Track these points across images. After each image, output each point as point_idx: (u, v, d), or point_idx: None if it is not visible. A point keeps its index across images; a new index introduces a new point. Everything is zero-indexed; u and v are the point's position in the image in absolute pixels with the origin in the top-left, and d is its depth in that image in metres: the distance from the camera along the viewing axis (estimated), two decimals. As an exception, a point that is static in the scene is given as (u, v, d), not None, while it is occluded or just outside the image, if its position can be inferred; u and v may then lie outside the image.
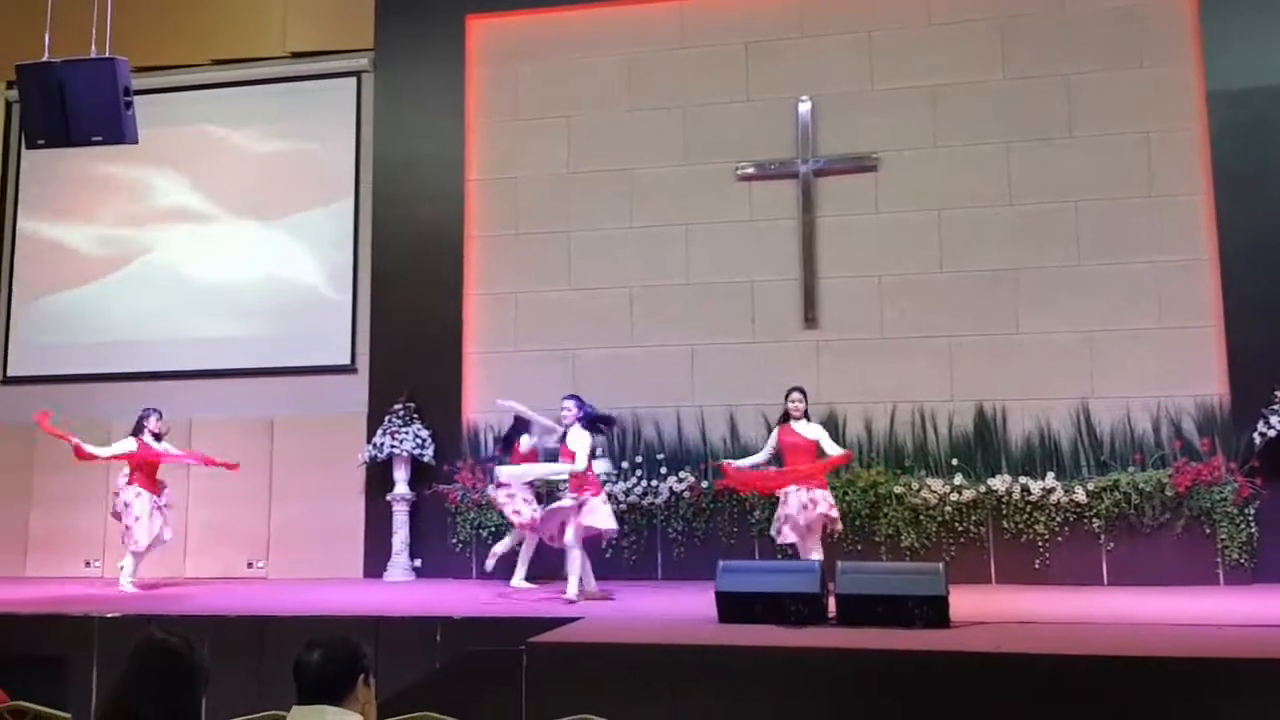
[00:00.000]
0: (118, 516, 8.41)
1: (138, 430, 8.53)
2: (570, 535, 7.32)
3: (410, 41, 10.09)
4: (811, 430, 7.57)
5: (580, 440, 7.43)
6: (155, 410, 8.63)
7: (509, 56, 10.00)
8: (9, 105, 10.84)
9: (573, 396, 7.81)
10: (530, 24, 10.03)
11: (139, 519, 8.25)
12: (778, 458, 7.72)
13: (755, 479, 7.71)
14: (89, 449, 8.36)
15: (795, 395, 7.61)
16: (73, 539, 9.95)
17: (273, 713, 3.31)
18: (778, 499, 7.45)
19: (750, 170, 9.42)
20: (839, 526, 7.58)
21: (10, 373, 10.71)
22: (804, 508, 7.23)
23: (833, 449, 7.47)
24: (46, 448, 10.19)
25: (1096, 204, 8.86)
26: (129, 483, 8.40)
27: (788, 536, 7.31)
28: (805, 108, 9.35)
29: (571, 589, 7.24)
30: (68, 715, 3.65)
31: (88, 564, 9.84)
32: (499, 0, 10.03)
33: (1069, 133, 8.98)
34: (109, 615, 6.68)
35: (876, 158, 9.23)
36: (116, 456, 8.44)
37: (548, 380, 9.42)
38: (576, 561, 7.35)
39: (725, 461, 7.94)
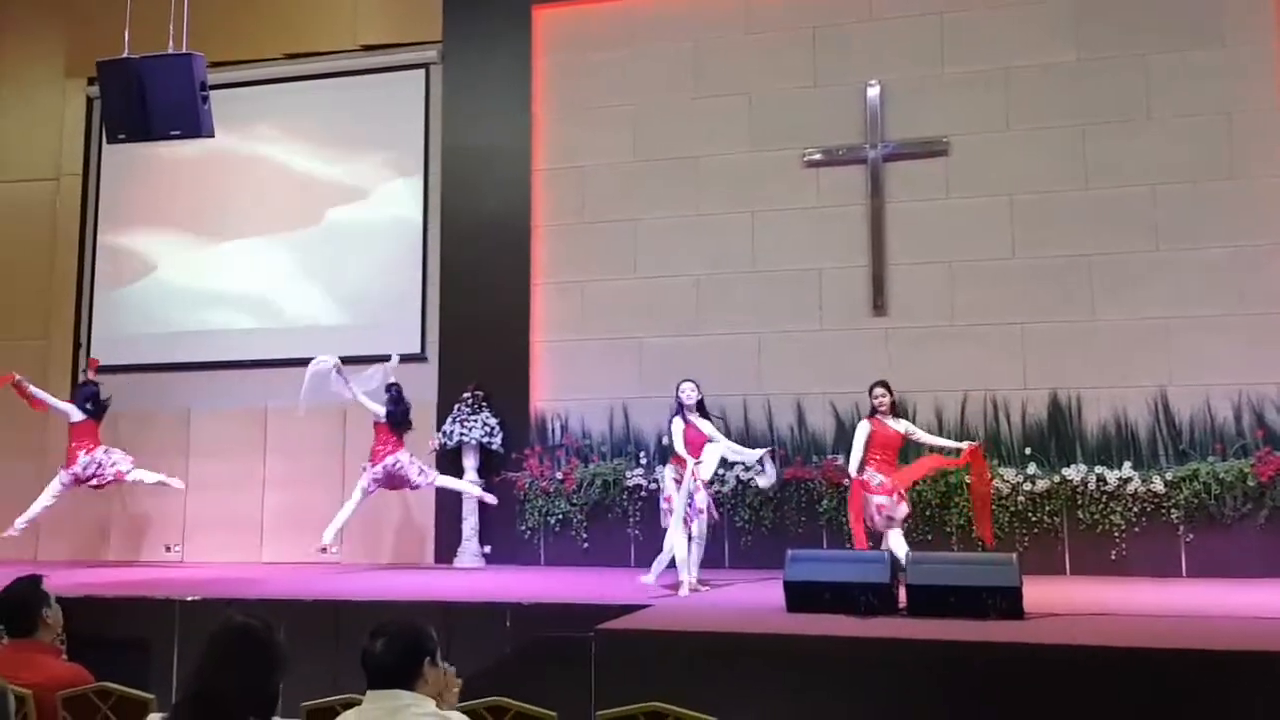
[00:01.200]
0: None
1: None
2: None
3: (477, 33, 10.15)
4: (899, 424, 7.53)
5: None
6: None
7: (574, 46, 10.02)
8: (90, 101, 11.12)
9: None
10: (595, 13, 10.03)
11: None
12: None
13: (905, 474, 7.50)
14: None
15: (879, 391, 7.53)
16: (153, 524, 10.22)
17: (348, 695, 3.36)
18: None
19: (817, 156, 9.33)
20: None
21: (93, 362, 11.00)
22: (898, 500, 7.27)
23: (930, 439, 7.62)
24: (128, 435, 10.49)
25: (1175, 188, 8.62)
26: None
27: (879, 525, 7.29)
28: (874, 92, 9.23)
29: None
30: (150, 696, 3.75)
31: (168, 549, 10.09)
32: (565, -11, 10.06)
33: (1146, 114, 8.74)
34: (189, 599, 6.85)
35: (947, 142, 9.08)
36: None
37: (613, 368, 9.46)
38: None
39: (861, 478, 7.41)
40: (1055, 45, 8.98)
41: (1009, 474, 8.36)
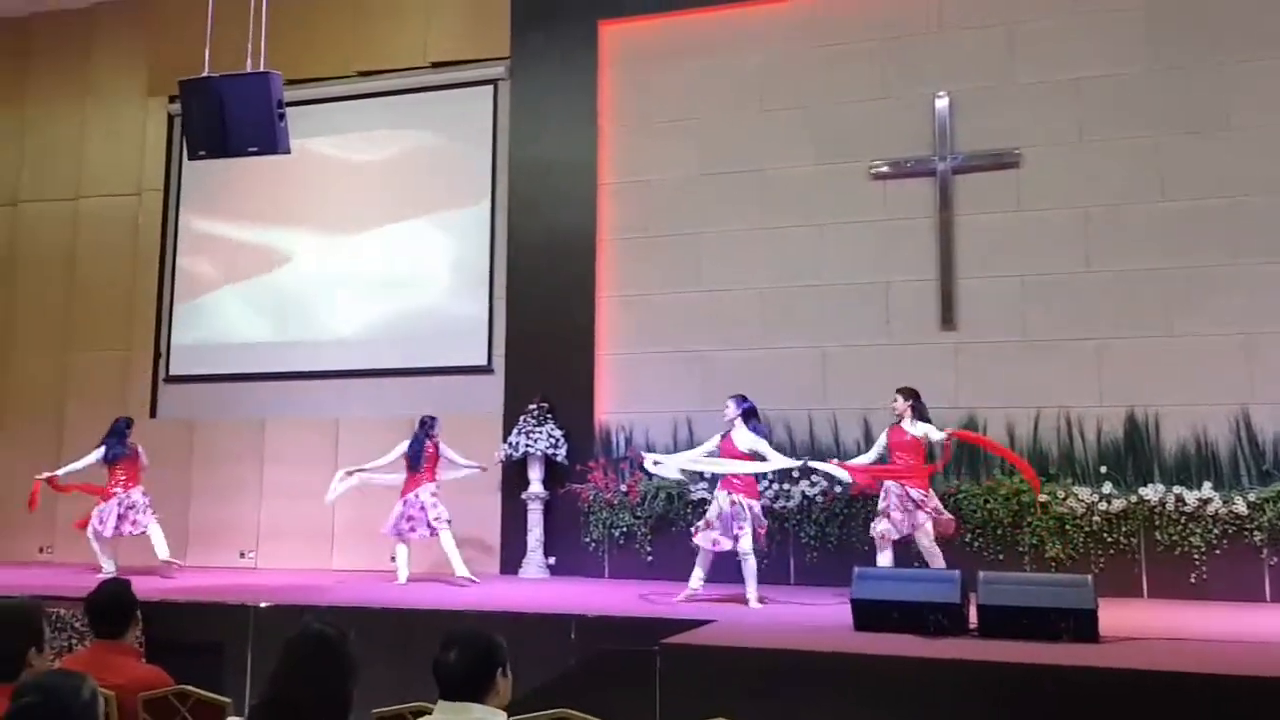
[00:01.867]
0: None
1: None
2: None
3: (544, 49, 10.25)
4: (918, 429, 7.56)
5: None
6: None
7: (640, 60, 10.07)
8: (171, 118, 11.44)
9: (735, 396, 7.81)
10: (661, 27, 10.07)
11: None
12: (883, 460, 7.72)
13: (856, 472, 7.80)
14: None
15: (895, 396, 7.72)
16: (228, 530, 10.44)
17: (419, 704, 3.39)
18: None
19: (885, 169, 9.25)
20: (950, 529, 7.53)
21: (171, 372, 11.29)
22: (904, 506, 7.34)
23: (937, 436, 7.55)
24: (205, 442, 10.75)
25: (1255, 199, 8.40)
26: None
27: (879, 528, 7.40)
28: (942, 103, 9.14)
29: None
30: (227, 699, 3.82)
31: (242, 555, 10.29)
32: (631, 5, 10.11)
33: (1225, 123, 8.53)
34: (263, 605, 6.98)
35: (1018, 153, 8.95)
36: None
37: (677, 381, 9.46)
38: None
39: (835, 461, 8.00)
40: (1129, 54, 8.81)
41: (1084, 493, 8.19)
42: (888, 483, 7.52)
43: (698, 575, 7.43)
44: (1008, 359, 8.77)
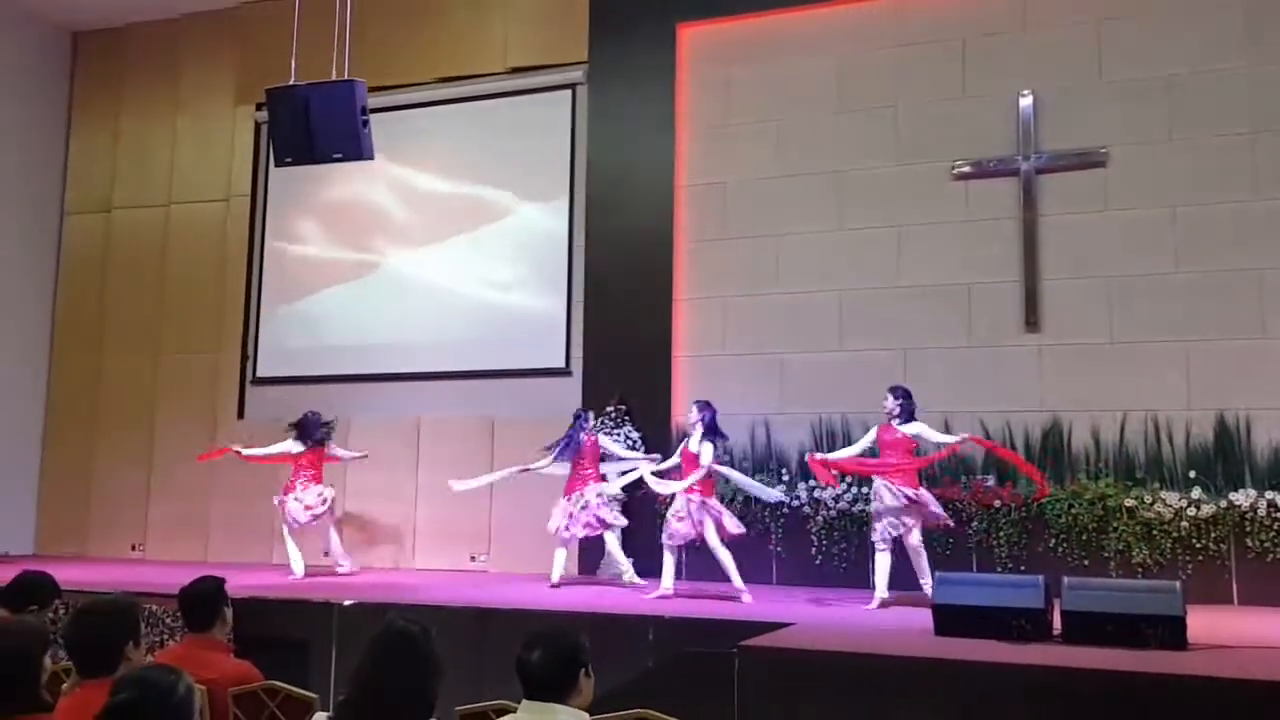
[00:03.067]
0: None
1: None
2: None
3: (622, 52, 10.30)
4: (911, 428, 7.54)
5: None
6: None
7: (718, 62, 10.06)
8: (258, 126, 11.73)
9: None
10: (740, 29, 10.06)
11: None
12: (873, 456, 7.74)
13: (846, 465, 7.85)
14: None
15: (886, 394, 7.71)
16: (313, 530, 10.64)
17: (501, 702, 3.44)
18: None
19: (967, 169, 9.13)
20: (939, 521, 7.54)
21: (259, 374, 11.58)
22: (894, 506, 7.38)
23: (938, 438, 7.56)
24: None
25: (1353, 196, 8.13)
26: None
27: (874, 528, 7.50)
28: (1026, 102, 8.98)
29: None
30: (314, 695, 3.92)
31: (326, 554, 10.49)
32: (709, 7, 10.11)
33: (1322, 120, 8.27)
34: (346, 603, 7.13)
35: (1105, 152, 8.76)
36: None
37: (756, 384, 9.43)
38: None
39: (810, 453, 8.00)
40: (1223, 50, 8.57)
41: (1171, 498, 7.99)
42: (876, 483, 7.52)
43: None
44: (1093, 361, 8.59)
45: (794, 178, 9.65)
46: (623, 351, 9.84)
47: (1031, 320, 8.79)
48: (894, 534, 7.38)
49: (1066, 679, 4.81)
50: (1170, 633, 5.33)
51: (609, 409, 9.57)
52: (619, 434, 9.44)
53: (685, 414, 9.14)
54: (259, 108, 11.16)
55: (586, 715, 2.75)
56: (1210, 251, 8.41)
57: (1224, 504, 7.88)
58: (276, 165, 8.37)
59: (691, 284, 9.89)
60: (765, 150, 9.78)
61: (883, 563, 7.43)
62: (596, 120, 10.42)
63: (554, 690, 2.72)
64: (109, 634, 3.27)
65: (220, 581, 4.11)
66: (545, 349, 10.37)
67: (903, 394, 7.70)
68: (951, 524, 7.76)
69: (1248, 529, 7.82)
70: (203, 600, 4.02)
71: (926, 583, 7.15)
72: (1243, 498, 7.85)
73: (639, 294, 9.90)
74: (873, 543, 7.56)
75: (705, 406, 8.02)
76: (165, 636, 6.96)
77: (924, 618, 5.93)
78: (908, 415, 7.61)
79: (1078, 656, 5.10)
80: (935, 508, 7.46)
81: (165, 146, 12.29)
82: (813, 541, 8.83)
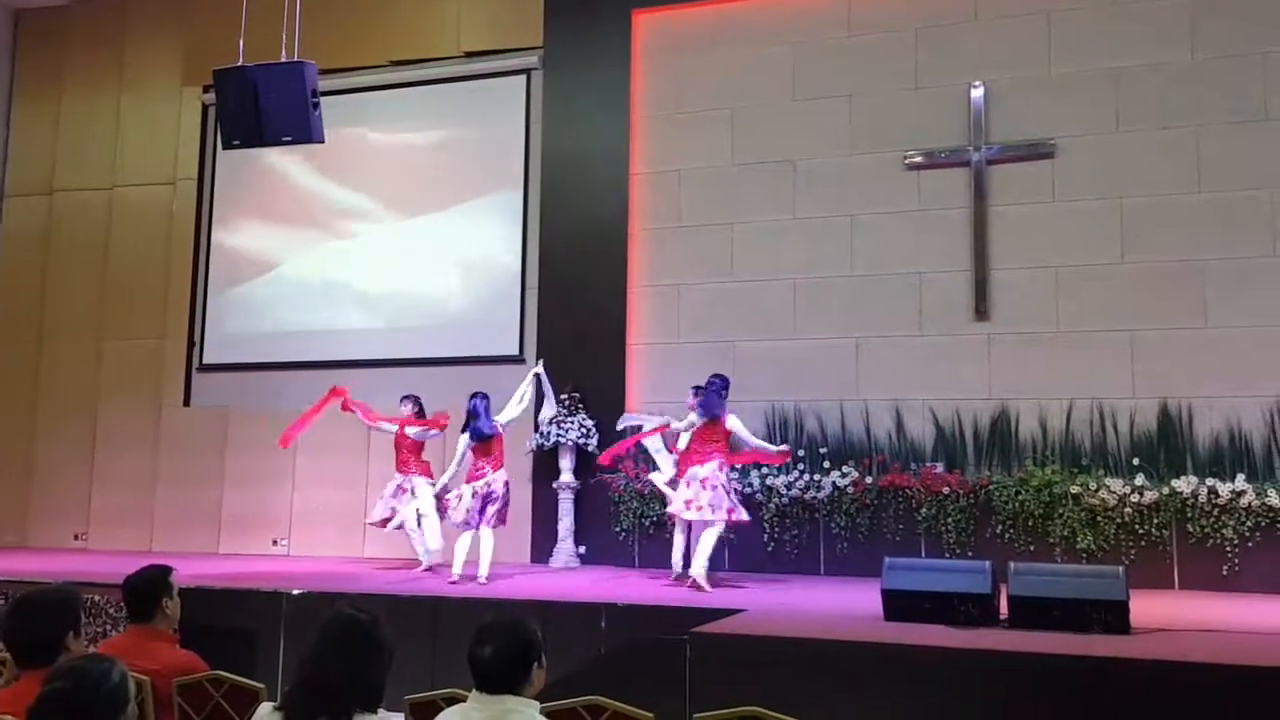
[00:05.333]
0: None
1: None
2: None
3: (578, 38, 10.25)
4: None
5: None
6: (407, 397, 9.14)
7: (674, 50, 10.05)
8: (206, 108, 11.53)
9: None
10: (695, 16, 10.04)
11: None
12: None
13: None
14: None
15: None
16: (261, 518, 10.55)
17: (451, 690, 3.42)
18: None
19: (919, 159, 9.20)
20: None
21: (205, 360, 11.40)
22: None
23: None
24: (238, 431, 10.85)
25: (1293, 190, 8.30)
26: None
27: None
28: (978, 93, 9.07)
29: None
30: (261, 685, 3.87)
31: (275, 542, 10.40)
32: (665, -6, 10.09)
33: (1264, 114, 8.42)
34: (295, 592, 7.05)
35: (1053, 144, 8.87)
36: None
37: (709, 372, 9.38)
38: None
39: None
40: (1168, 44, 8.70)
41: (1115, 485, 8.13)
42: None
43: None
44: (1041, 350, 8.71)
45: (748, 166, 9.67)
46: (577, 339, 9.81)
47: (981, 309, 8.89)
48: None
49: (1012, 663, 4.89)
50: (1114, 617, 5.42)
51: (563, 397, 9.55)
52: (572, 422, 9.43)
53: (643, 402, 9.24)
54: (206, 89, 10.98)
55: (536, 705, 2.74)
56: (1155, 242, 8.55)
57: (1166, 490, 8.03)
58: (224, 148, 8.21)
59: (646, 271, 9.88)
60: (720, 138, 9.79)
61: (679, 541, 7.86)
62: (551, 106, 10.36)
63: (506, 683, 2.70)
64: (48, 625, 3.20)
65: (166, 570, 4.03)
66: (499, 337, 10.32)
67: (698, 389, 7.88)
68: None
69: (1189, 515, 7.98)
70: (147, 589, 3.94)
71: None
72: (1184, 484, 8.01)
73: (593, 281, 9.88)
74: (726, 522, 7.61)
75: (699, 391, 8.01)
76: (109, 627, 6.84)
77: (875, 604, 5.98)
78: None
79: (1023, 641, 5.19)
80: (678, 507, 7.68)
81: (109, 128, 12.04)
82: (764, 529, 8.87)
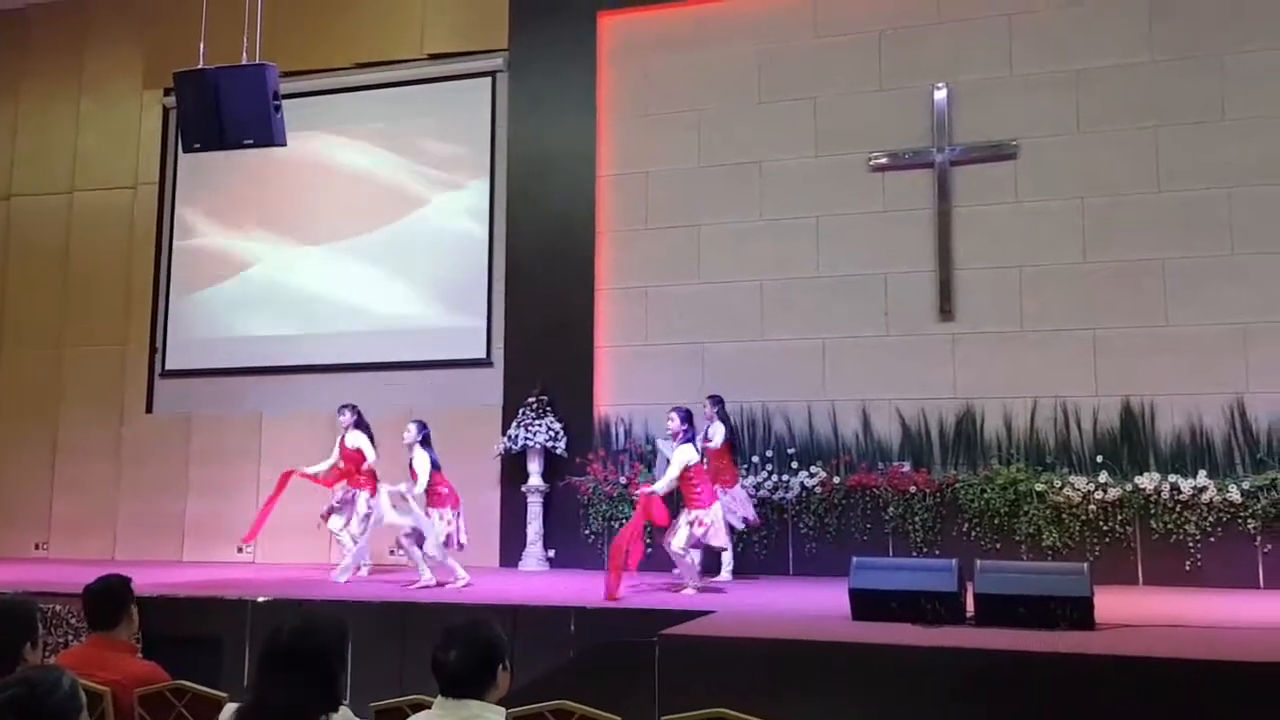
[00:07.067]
0: None
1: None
2: None
3: (543, 40, 10.23)
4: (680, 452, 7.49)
5: None
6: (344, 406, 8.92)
7: (640, 52, 10.05)
8: (167, 111, 11.40)
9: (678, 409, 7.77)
10: (661, 18, 10.05)
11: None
12: None
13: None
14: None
15: (671, 414, 7.65)
16: (225, 525, 10.42)
17: (416, 696, 3.39)
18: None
19: (884, 160, 9.25)
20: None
21: (168, 366, 11.26)
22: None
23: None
24: (201, 438, 10.74)
25: (1252, 190, 8.41)
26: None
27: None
28: (941, 95, 9.13)
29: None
30: (224, 694, 3.82)
31: (240, 549, 10.28)
32: (630, -4, 10.09)
33: (1222, 115, 8.53)
34: (260, 599, 6.98)
35: (1016, 145, 8.95)
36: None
37: (677, 374, 9.46)
38: None
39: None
40: (1128, 46, 8.81)
41: (1079, 483, 8.21)
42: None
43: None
44: (1005, 349, 8.78)
45: (714, 167, 9.69)
46: (544, 341, 9.79)
47: (945, 309, 8.96)
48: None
49: (978, 660, 4.92)
50: (1079, 613, 5.47)
51: (530, 399, 9.52)
52: (540, 424, 9.40)
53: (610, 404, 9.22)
54: (167, 93, 10.85)
55: (502, 710, 2.72)
56: (1117, 242, 8.64)
57: (1129, 487, 8.13)
58: (185, 151, 8.13)
59: (613, 274, 9.87)
60: (686, 140, 9.80)
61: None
62: (517, 109, 10.34)
63: (470, 687, 2.67)
64: (5, 635, 3.15)
65: (126, 580, 3.97)
66: (466, 340, 10.27)
67: (687, 417, 7.63)
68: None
69: (1152, 511, 8.07)
70: (107, 599, 3.88)
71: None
72: (1147, 481, 8.10)
73: (560, 284, 9.86)
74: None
75: (686, 418, 7.67)
76: (69, 637, 6.74)
77: (843, 603, 6.00)
78: (687, 438, 7.53)
79: (990, 638, 5.22)
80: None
81: (69, 132, 11.88)
82: (732, 530, 8.86)
